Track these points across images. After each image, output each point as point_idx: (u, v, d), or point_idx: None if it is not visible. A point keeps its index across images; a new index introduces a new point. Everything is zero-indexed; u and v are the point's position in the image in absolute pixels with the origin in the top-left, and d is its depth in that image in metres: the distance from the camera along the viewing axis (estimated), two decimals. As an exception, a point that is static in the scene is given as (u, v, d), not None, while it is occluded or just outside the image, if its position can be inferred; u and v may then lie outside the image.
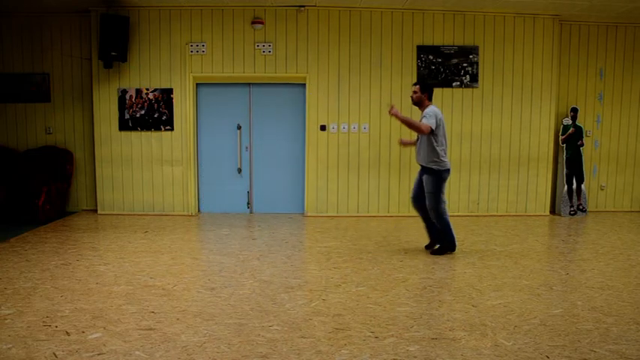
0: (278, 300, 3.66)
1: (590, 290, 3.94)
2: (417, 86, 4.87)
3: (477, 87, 7.08)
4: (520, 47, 7.05)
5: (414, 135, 5.19)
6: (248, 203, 7.32)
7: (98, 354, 2.75)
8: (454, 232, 4.99)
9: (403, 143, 5.29)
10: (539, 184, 7.28)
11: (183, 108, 6.96)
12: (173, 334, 3.02)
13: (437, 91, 7.02)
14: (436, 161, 4.77)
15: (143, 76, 6.94)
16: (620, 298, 3.74)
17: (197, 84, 7.09)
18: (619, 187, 7.68)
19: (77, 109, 7.18)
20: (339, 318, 3.32)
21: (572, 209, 7.35)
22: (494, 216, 7.22)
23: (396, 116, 4.71)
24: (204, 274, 4.40)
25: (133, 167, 7.06)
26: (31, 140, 7.20)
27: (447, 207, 4.93)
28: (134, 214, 7.06)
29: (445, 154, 4.82)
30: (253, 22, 6.82)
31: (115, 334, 3.00)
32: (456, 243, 5.02)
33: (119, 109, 6.96)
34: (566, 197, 7.35)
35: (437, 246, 5.07)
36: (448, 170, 4.84)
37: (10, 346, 2.83)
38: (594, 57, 7.40)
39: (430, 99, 4.89)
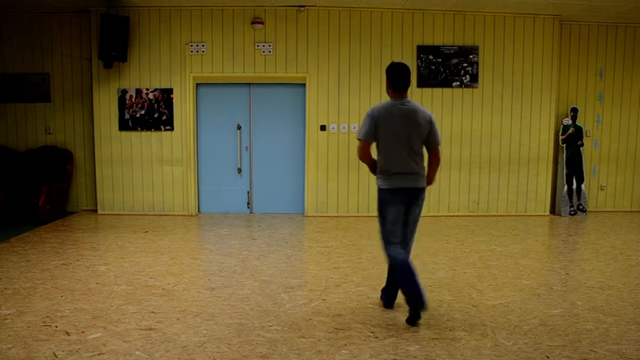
0: (278, 300, 3.66)
1: (590, 290, 3.94)
2: None
3: (476, 87, 7.08)
4: (520, 47, 7.05)
5: None
6: (248, 203, 7.32)
7: (98, 354, 2.75)
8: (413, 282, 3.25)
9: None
10: (539, 184, 7.28)
11: (183, 108, 6.96)
12: (173, 334, 3.02)
13: (437, 91, 7.03)
14: (378, 177, 3.43)
15: (143, 76, 6.94)
16: (620, 298, 3.74)
17: (197, 84, 7.09)
18: (619, 187, 7.68)
19: (77, 109, 7.18)
20: (339, 318, 3.32)
21: (572, 209, 7.35)
22: (495, 216, 7.21)
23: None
24: (204, 274, 4.40)
25: (133, 167, 7.06)
26: (31, 140, 7.20)
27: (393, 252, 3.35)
28: (134, 214, 7.06)
29: (392, 166, 3.32)
30: (253, 22, 6.82)
31: (115, 334, 3.01)
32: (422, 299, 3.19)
33: (119, 109, 6.96)
34: (566, 197, 7.34)
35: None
36: (393, 191, 3.31)
37: (10, 346, 2.83)
38: (594, 57, 7.40)
39: (394, 89, 3.36)
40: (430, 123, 3.35)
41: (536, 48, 7.06)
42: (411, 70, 3.42)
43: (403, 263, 3.25)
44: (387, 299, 3.56)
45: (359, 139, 3.38)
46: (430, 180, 3.51)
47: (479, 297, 3.76)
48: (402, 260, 3.27)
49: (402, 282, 3.28)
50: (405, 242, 3.38)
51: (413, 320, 3.21)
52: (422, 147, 3.38)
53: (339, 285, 4.03)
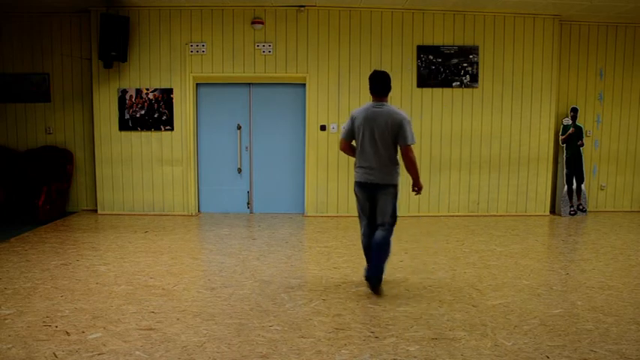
0: (278, 300, 3.66)
1: (590, 290, 3.94)
2: None
3: (476, 87, 7.08)
4: (520, 47, 7.05)
5: None
6: (248, 203, 7.32)
7: (98, 354, 2.75)
8: (367, 261, 4.04)
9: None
10: (539, 184, 7.27)
11: (183, 108, 6.96)
12: (173, 334, 3.02)
13: (437, 91, 7.03)
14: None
15: (143, 76, 6.93)
16: (620, 298, 3.74)
17: (197, 84, 7.09)
18: (619, 187, 7.68)
19: (77, 109, 7.18)
20: (339, 318, 3.32)
21: (572, 209, 7.35)
22: (495, 216, 7.21)
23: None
24: (204, 274, 4.40)
25: (133, 167, 7.05)
26: (31, 140, 7.20)
27: (361, 234, 4.05)
28: (134, 214, 7.06)
29: (359, 161, 3.88)
30: (253, 22, 6.82)
31: (115, 334, 3.00)
32: (365, 273, 3.99)
33: (119, 109, 6.96)
34: (566, 197, 7.34)
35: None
36: (357, 183, 3.91)
37: (10, 346, 2.83)
38: (594, 57, 7.39)
39: (372, 93, 3.90)
40: (400, 125, 3.69)
41: (536, 48, 7.05)
42: (390, 77, 3.90)
43: (364, 242, 3.97)
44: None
45: (340, 137, 4.01)
46: (414, 181, 3.88)
47: (479, 297, 3.76)
48: (364, 240, 3.97)
49: (365, 254, 4.03)
50: (374, 224, 3.90)
51: (371, 288, 3.86)
52: (392, 146, 3.75)
53: (339, 285, 4.02)
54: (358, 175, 3.87)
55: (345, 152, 4.06)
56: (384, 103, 3.83)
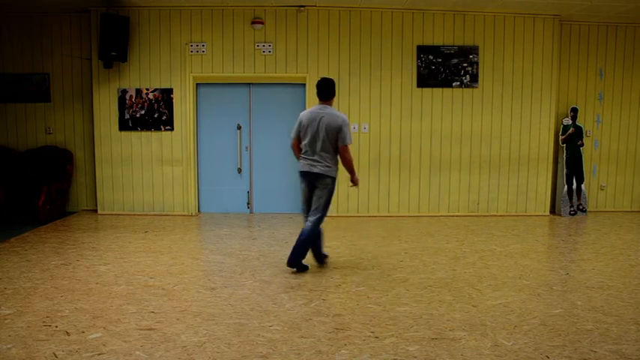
0: (278, 300, 3.66)
1: (590, 290, 3.94)
2: None
3: (476, 87, 7.08)
4: (520, 47, 7.05)
5: None
6: (248, 203, 7.32)
7: (98, 354, 2.75)
8: (296, 248, 4.31)
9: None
10: (539, 184, 7.28)
11: (183, 108, 6.96)
12: (173, 334, 3.02)
13: (437, 91, 7.03)
14: None
15: (143, 76, 6.94)
16: (620, 298, 3.74)
17: (197, 84, 7.09)
18: (619, 187, 7.68)
19: (77, 109, 7.18)
20: (339, 318, 3.32)
21: (572, 209, 7.35)
22: (494, 216, 7.22)
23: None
24: (204, 274, 4.40)
25: (133, 167, 7.06)
26: (31, 140, 7.20)
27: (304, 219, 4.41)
28: (134, 214, 7.06)
29: (303, 155, 4.33)
30: (253, 22, 6.82)
31: (115, 334, 3.01)
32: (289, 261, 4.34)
33: (119, 109, 6.96)
34: (566, 197, 7.34)
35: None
36: (299, 173, 4.37)
37: (10, 346, 2.83)
38: (594, 57, 7.40)
39: (318, 98, 4.40)
40: (339, 127, 4.18)
41: (536, 48, 7.06)
42: (334, 83, 4.45)
43: (303, 230, 4.29)
44: (315, 257, 4.53)
45: (291, 136, 4.44)
46: (351, 177, 4.38)
47: (479, 297, 3.76)
48: (303, 229, 4.30)
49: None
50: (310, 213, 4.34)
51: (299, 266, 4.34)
52: (332, 145, 4.22)
53: (339, 285, 4.03)
54: (301, 165, 4.33)
55: (293, 149, 4.46)
56: (327, 106, 4.32)
